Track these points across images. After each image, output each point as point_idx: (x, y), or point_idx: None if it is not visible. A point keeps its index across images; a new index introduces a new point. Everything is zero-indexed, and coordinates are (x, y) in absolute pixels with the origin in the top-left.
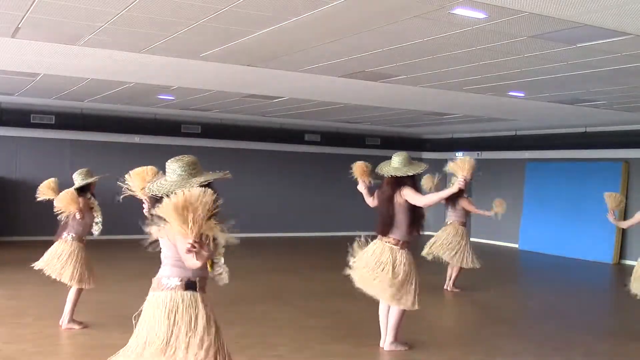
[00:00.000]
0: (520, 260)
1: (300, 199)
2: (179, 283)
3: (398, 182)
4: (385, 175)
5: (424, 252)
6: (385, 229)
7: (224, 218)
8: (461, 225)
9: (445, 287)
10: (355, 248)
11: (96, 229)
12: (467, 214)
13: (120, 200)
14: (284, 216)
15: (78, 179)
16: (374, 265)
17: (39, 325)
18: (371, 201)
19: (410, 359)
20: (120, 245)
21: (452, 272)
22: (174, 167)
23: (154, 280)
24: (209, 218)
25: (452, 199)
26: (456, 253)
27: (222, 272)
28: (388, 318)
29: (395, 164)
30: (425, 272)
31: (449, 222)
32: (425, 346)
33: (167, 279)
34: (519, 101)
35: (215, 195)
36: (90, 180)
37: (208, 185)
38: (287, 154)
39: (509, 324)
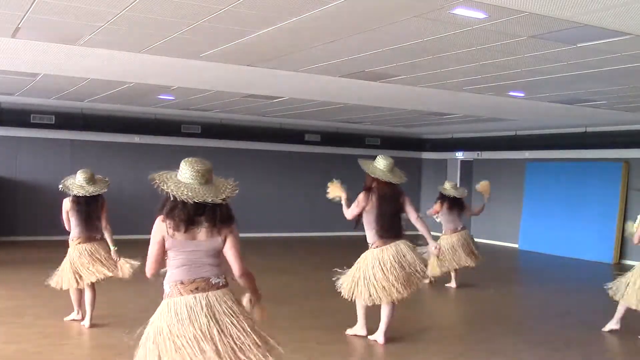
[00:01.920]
0: (520, 260)
1: (300, 199)
2: (224, 281)
3: (398, 187)
4: (393, 181)
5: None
6: (400, 232)
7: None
8: (454, 232)
9: (452, 285)
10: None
11: None
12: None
13: None
14: (284, 216)
15: (89, 185)
16: (406, 270)
17: (39, 325)
18: (351, 212)
19: (410, 358)
20: (121, 246)
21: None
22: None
23: (194, 284)
24: None
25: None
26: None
27: None
28: (387, 313)
29: (389, 167)
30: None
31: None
32: (425, 345)
33: (216, 278)
34: (519, 101)
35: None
36: (105, 189)
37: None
38: (287, 154)
39: (509, 324)
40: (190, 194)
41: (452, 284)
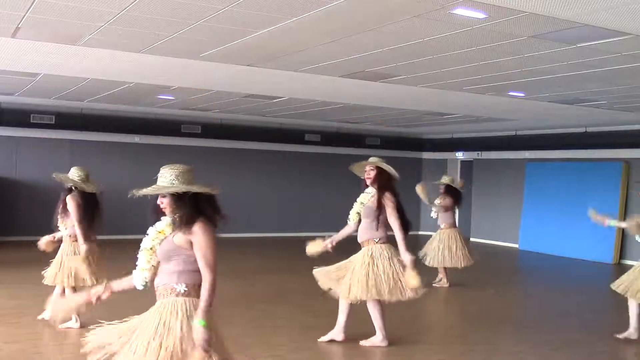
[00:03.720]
0: (520, 260)
1: (300, 199)
2: (183, 289)
3: None
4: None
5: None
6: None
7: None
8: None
9: (443, 284)
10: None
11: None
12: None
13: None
14: (284, 216)
15: (89, 184)
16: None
17: (39, 325)
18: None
19: (409, 357)
20: (121, 246)
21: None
22: (165, 172)
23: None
24: None
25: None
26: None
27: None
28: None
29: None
30: (423, 272)
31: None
32: (425, 345)
33: (176, 285)
34: (519, 101)
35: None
36: (100, 189)
37: (199, 194)
38: (287, 154)
39: (509, 324)
40: (188, 187)
41: (444, 283)
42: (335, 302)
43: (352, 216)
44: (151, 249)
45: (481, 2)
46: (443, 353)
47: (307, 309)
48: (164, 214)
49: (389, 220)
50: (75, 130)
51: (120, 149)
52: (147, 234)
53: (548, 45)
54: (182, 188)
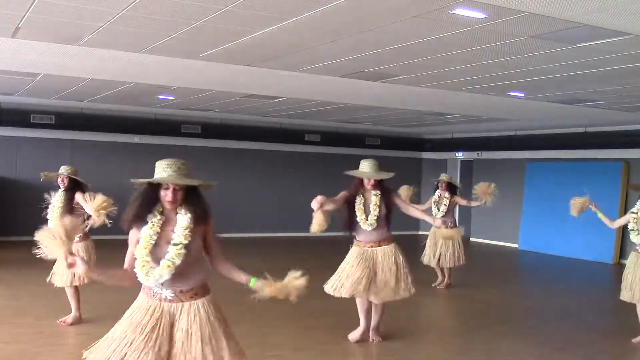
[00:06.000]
0: (520, 260)
1: (300, 199)
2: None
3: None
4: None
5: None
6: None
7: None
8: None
9: (438, 285)
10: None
11: None
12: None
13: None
14: (284, 216)
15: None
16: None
17: (39, 325)
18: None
19: (409, 357)
20: (120, 245)
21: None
22: (181, 166)
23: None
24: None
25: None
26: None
27: None
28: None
29: (374, 168)
30: (421, 272)
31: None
32: (425, 345)
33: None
34: (519, 101)
35: (201, 199)
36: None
37: (195, 188)
38: (287, 154)
39: (509, 324)
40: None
41: (443, 284)
42: (334, 302)
43: (371, 221)
44: (181, 246)
45: (481, 2)
46: (442, 353)
47: (307, 309)
48: (151, 208)
49: (406, 210)
50: (75, 130)
51: (120, 149)
52: (152, 227)
53: (548, 45)
54: (206, 182)
